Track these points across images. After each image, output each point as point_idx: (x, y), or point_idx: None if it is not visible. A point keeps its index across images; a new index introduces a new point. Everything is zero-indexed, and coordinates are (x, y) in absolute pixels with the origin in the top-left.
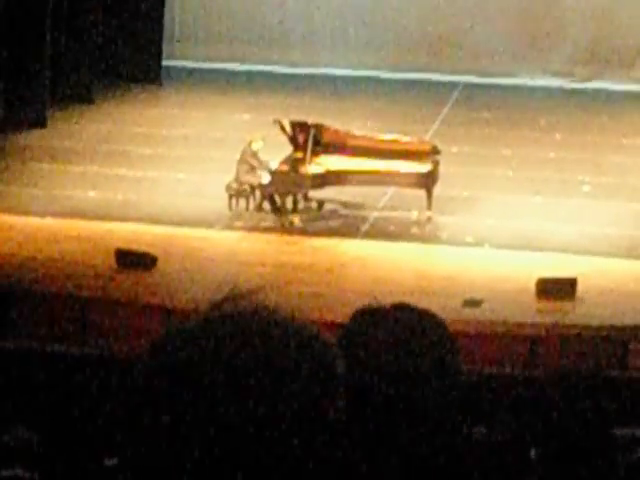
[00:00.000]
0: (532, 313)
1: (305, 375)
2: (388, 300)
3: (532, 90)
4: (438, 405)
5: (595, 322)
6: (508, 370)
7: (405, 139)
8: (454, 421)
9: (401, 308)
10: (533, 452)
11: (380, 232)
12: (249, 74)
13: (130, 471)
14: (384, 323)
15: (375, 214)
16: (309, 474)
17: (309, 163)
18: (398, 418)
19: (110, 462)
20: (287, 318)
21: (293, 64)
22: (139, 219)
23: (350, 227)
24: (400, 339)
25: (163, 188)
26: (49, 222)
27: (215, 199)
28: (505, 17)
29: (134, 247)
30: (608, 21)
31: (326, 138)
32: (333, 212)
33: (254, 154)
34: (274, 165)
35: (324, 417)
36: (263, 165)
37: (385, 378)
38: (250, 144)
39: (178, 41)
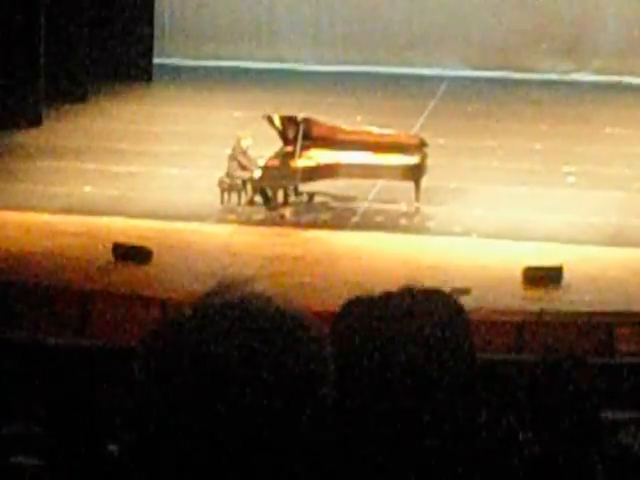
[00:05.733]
0: (519, 300)
1: (296, 363)
2: (378, 290)
3: (517, 82)
4: (423, 391)
5: (581, 308)
6: (496, 357)
7: (393, 132)
8: (439, 407)
9: (389, 296)
10: (521, 436)
11: (369, 223)
12: (238, 71)
13: (131, 457)
14: (374, 312)
15: (364, 206)
16: (300, 459)
17: (299, 157)
18: (387, 404)
19: (112, 448)
20: (278, 307)
21: (282, 60)
22: (134, 214)
23: (340, 219)
24: (389, 326)
25: (157, 183)
26: (46, 217)
27: (208, 193)
28: (491, 11)
29: (130, 241)
30: (591, 16)
31: (315, 132)
32: (323, 205)
33: (243, 152)
34: (262, 161)
35: (315, 404)
36: (252, 163)
37: (375, 365)
38: (239, 141)
39: (168, 39)
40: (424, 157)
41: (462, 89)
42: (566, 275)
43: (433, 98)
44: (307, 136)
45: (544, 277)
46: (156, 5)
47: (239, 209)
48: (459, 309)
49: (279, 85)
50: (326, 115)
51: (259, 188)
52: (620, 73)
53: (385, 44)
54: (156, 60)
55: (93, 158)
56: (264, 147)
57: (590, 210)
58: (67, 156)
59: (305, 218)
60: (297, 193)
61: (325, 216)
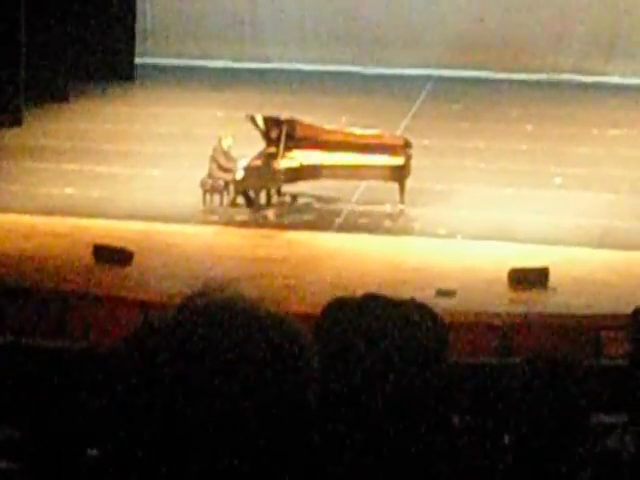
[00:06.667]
0: (505, 303)
1: (279, 365)
2: (362, 292)
3: (502, 82)
4: (409, 392)
5: (567, 311)
6: (481, 359)
7: (377, 133)
8: (425, 408)
9: (372, 298)
10: (506, 439)
11: (353, 225)
12: (221, 70)
13: (111, 461)
14: (356, 313)
15: (348, 207)
16: (284, 462)
17: (282, 158)
18: (372, 406)
19: (91, 452)
20: (261, 309)
21: (265, 60)
22: (115, 215)
23: (324, 221)
24: (372, 328)
25: (138, 184)
26: (27, 219)
27: (190, 195)
28: (476, 10)
29: (111, 242)
30: (578, 17)
31: (299, 133)
32: (307, 206)
33: (224, 152)
34: (243, 163)
35: (298, 407)
36: (233, 163)
37: (358, 367)
38: (220, 142)
39: (148, 38)
40: (408, 158)
41: (447, 89)
42: (552, 277)
43: (418, 98)
44: (290, 136)
45: (530, 279)
46: (138, 4)
47: (221, 210)
48: (434, 316)
49: (262, 85)
50: (310, 115)
51: (242, 189)
52: (605, 73)
53: (370, 44)
54: (138, 60)
55: (74, 159)
56: (247, 147)
57: (577, 212)
58: (48, 156)
59: (288, 219)
60: (280, 194)
61: (308, 217)
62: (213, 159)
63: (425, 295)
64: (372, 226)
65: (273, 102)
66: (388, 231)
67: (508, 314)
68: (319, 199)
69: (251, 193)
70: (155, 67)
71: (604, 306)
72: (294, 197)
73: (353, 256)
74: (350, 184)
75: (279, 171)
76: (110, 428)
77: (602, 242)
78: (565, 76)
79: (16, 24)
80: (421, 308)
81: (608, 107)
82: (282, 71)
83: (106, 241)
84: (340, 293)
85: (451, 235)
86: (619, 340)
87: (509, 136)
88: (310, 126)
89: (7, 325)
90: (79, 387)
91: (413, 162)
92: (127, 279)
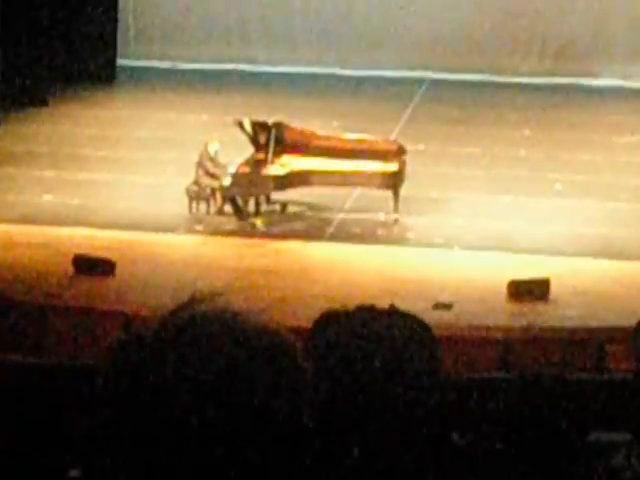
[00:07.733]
0: (504, 315)
1: (270, 380)
2: (354, 304)
3: (500, 86)
4: (403, 406)
5: (569, 324)
6: (480, 374)
7: (371, 138)
8: (422, 424)
9: (365, 310)
10: (502, 455)
11: (346, 234)
12: (207, 73)
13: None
14: (349, 326)
15: (340, 216)
16: (276, 477)
17: (271, 164)
18: (365, 420)
19: (74, 472)
20: (250, 321)
21: (253, 62)
22: (97, 224)
23: (315, 229)
24: (365, 341)
25: (121, 191)
26: (4, 228)
27: (175, 202)
28: (471, 12)
29: (92, 252)
30: (577, 18)
31: (288, 138)
32: (297, 214)
33: (211, 157)
34: (232, 168)
35: (290, 421)
36: (220, 169)
37: (352, 380)
38: (206, 147)
39: (132, 39)
40: (403, 164)
41: (442, 93)
42: (553, 289)
43: (412, 102)
44: (279, 142)
45: (530, 291)
46: (120, 4)
47: (208, 219)
48: (427, 328)
49: (250, 88)
50: (300, 120)
51: (229, 197)
52: (605, 77)
53: (362, 46)
54: (120, 62)
55: (53, 164)
56: (235, 153)
57: (578, 220)
58: (26, 162)
59: (278, 228)
60: (269, 202)
61: (299, 226)
62: (200, 165)
63: (421, 308)
64: (365, 235)
65: (261, 106)
66: (382, 240)
67: (508, 327)
68: (310, 207)
69: (239, 201)
70: (138, 69)
71: (608, 318)
72: (284, 205)
73: (345, 267)
74: (342, 191)
75: (268, 178)
76: (92, 446)
77: (605, 252)
78: (564, 79)
79: None
80: (413, 320)
81: (608, 111)
82: (270, 74)
83: (87, 251)
84: (332, 305)
85: (448, 245)
86: (623, 354)
87: (507, 141)
88: (300, 131)
89: None
90: (58, 404)
91: (408, 168)
92: (109, 291)
